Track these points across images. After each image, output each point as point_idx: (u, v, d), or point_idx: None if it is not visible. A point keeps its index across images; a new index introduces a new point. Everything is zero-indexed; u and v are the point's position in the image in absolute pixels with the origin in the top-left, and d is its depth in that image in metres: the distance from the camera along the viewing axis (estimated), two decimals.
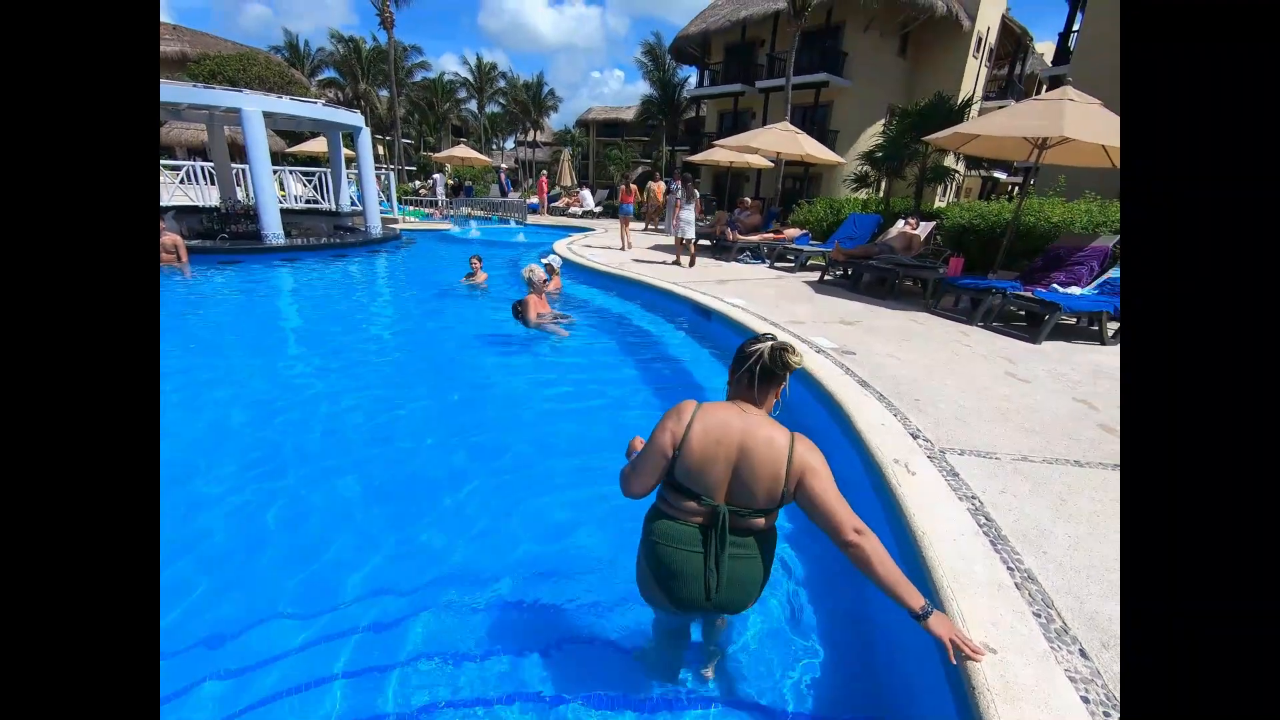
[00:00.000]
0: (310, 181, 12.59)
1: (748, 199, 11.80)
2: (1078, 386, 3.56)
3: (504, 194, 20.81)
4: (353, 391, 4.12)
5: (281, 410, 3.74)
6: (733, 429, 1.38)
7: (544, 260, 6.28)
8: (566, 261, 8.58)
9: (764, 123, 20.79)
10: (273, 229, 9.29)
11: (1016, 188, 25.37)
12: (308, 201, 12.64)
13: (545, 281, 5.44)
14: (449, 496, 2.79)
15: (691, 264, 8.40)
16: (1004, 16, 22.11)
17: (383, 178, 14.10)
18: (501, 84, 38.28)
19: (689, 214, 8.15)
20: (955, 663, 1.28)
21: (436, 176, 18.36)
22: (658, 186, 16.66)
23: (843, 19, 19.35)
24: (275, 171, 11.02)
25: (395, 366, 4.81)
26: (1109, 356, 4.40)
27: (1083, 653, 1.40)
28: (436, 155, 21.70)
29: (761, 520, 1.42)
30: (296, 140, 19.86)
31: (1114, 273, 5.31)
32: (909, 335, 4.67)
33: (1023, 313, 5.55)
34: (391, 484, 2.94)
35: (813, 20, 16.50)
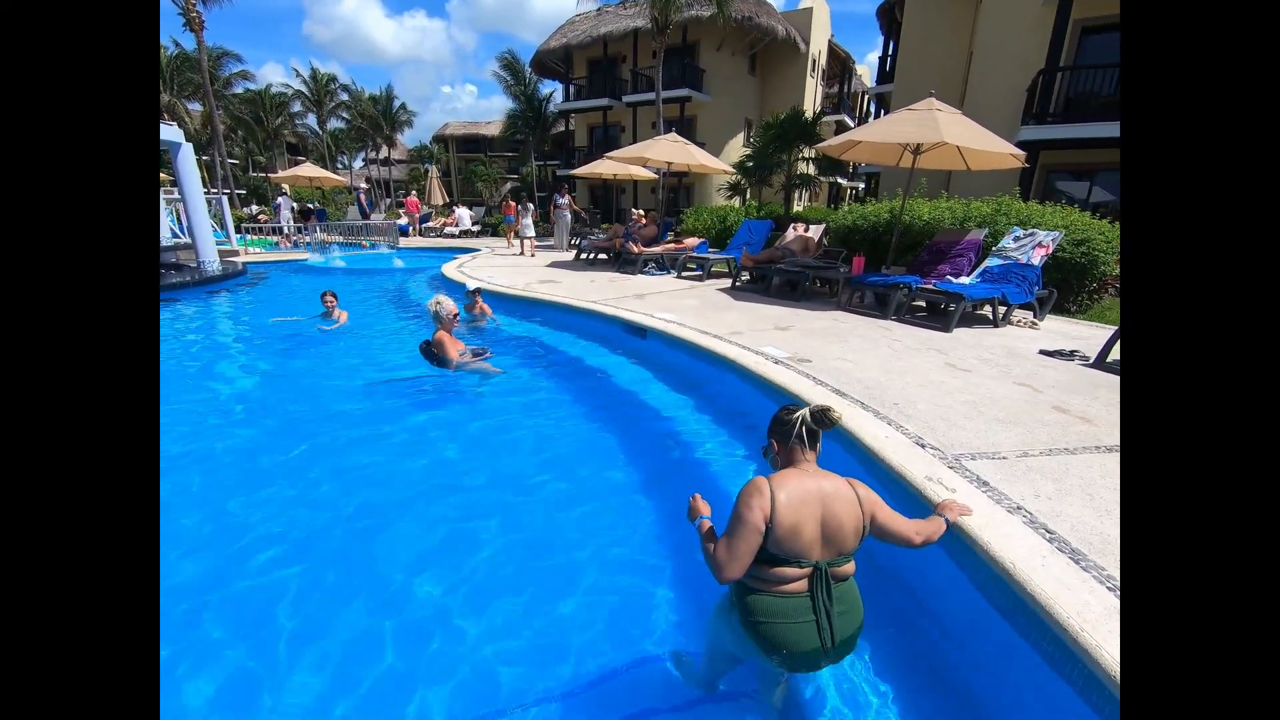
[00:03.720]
0: None
1: (639, 212, 11.79)
2: (1009, 370, 3.85)
3: (365, 216, 18.77)
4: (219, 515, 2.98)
5: None
6: (810, 489, 1.45)
7: (470, 287, 5.60)
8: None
9: (635, 136, 21.24)
10: None
11: (854, 191, 28.78)
12: None
13: (455, 317, 4.77)
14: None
15: (523, 253, 12.21)
16: (830, 41, 24.98)
17: (213, 203, 11.89)
18: (344, 97, 34.80)
19: (528, 219, 12.08)
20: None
21: (281, 200, 15.97)
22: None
23: (697, 38, 20.46)
24: None
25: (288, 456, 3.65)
26: (1009, 338, 4.89)
27: None
28: (277, 176, 18.87)
29: (852, 565, 1.52)
30: None
31: (990, 262, 5.98)
32: (843, 336, 4.80)
33: (922, 303, 6.05)
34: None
35: (671, 38, 17.17)
